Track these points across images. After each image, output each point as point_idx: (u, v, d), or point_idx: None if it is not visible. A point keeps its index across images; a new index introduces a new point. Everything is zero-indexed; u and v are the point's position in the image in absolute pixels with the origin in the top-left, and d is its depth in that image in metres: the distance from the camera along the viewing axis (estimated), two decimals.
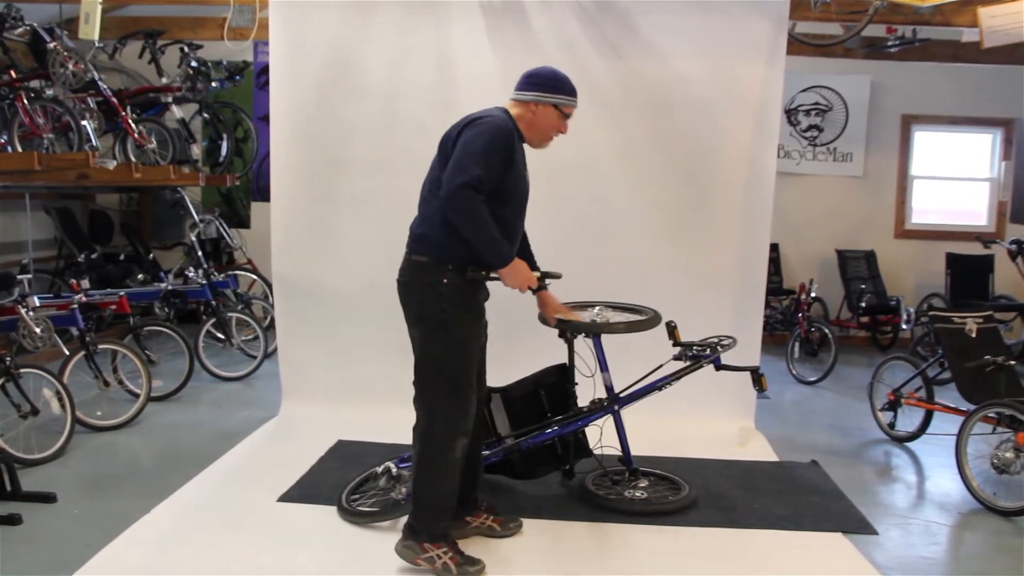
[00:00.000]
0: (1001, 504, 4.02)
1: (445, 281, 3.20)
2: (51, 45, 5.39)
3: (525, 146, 3.44)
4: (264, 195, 7.04)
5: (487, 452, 3.86)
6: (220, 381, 6.25)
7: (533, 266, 3.54)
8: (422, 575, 3.21)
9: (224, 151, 7.21)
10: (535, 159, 5.05)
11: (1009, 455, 4.02)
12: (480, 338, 3.39)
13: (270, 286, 6.32)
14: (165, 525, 3.64)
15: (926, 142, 8.54)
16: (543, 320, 3.98)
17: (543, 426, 3.94)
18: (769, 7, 5.01)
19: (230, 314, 6.55)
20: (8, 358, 4.40)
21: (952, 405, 4.76)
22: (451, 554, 3.21)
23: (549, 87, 3.36)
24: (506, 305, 4.74)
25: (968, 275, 7.99)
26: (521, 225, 3.46)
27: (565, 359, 4.03)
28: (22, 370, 4.46)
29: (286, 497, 3.95)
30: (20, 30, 5.56)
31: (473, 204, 3.09)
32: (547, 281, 3.59)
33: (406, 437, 3.39)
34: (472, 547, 3.38)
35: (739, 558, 3.47)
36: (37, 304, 4.81)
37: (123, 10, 7.05)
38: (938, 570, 3.49)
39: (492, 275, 3.30)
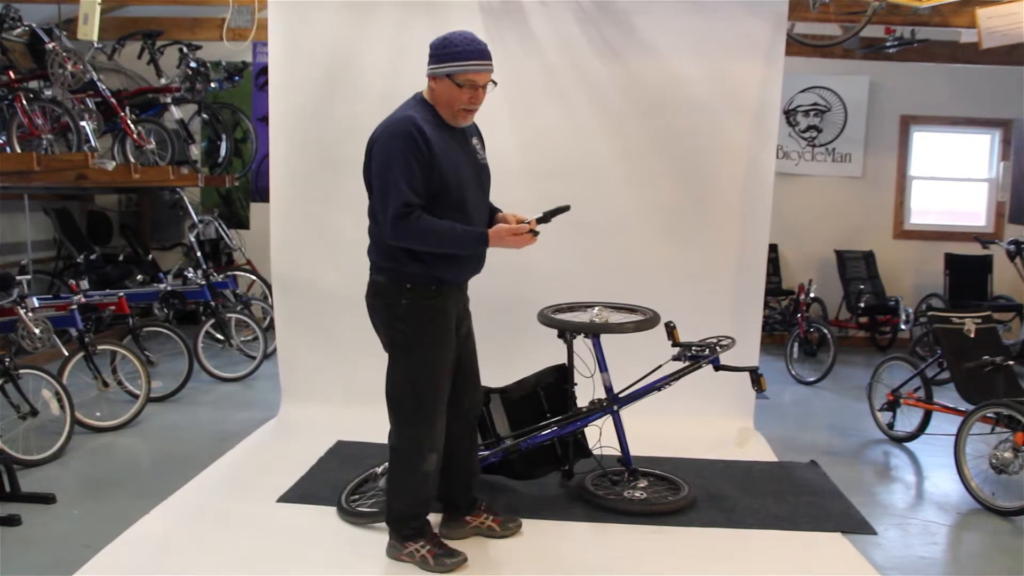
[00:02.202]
0: (999, 504, 4.02)
1: (404, 302, 3.17)
2: (50, 46, 5.39)
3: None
4: (263, 196, 7.04)
5: (487, 452, 3.86)
6: (219, 382, 6.25)
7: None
8: (417, 573, 3.23)
9: (223, 152, 7.22)
10: (533, 159, 5.11)
11: (1007, 455, 4.03)
12: (451, 353, 3.27)
13: (269, 287, 6.32)
14: (164, 526, 3.64)
15: (925, 143, 8.55)
16: (543, 321, 3.99)
17: (542, 426, 3.94)
18: (768, 8, 5.02)
19: (229, 315, 6.55)
20: (7, 359, 4.40)
21: (951, 405, 4.77)
22: (428, 547, 3.27)
23: (437, 56, 3.10)
24: (505, 305, 4.76)
25: (967, 275, 8.00)
26: (476, 205, 3.26)
27: (564, 359, 4.03)
28: (21, 371, 4.46)
29: (285, 498, 3.95)
30: (19, 30, 5.56)
31: (415, 229, 3.03)
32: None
33: None
34: (471, 547, 3.39)
35: (738, 558, 3.48)
36: (36, 305, 4.81)
37: (122, 11, 7.04)
38: (937, 570, 3.50)
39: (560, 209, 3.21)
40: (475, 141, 3.36)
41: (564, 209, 3.29)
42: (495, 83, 3.21)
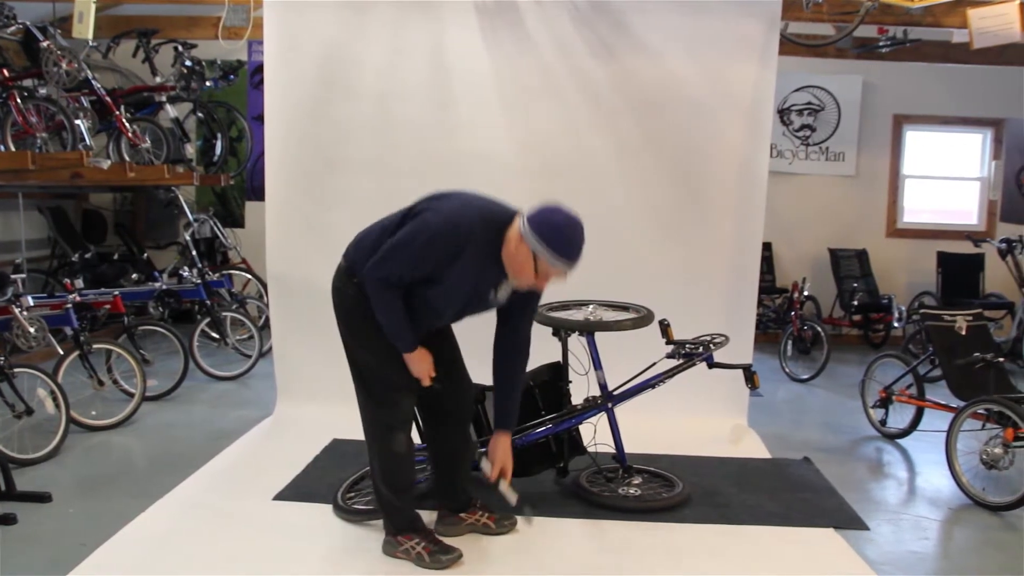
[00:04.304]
0: (990, 499, 4.05)
1: (350, 292, 3.23)
2: (44, 44, 5.38)
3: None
4: (258, 194, 7.06)
5: (483, 450, 3.88)
6: (215, 381, 6.25)
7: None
8: (413, 572, 3.23)
9: (218, 150, 7.22)
10: (527, 158, 5.13)
11: (998, 451, 4.06)
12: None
13: (265, 285, 6.32)
14: (160, 524, 3.65)
15: (917, 142, 8.60)
16: (537, 319, 3.99)
17: (537, 424, 3.96)
18: (761, 8, 5.04)
19: (225, 314, 6.55)
20: (2, 358, 4.39)
21: (942, 402, 4.80)
22: (424, 543, 3.28)
23: (540, 233, 2.96)
24: None
25: (959, 273, 8.05)
26: (448, 316, 3.26)
27: (559, 357, 4.05)
28: (16, 370, 4.46)
29: (281, 496, 3.96)
30: (13, 28, 5.55)
31: (383, 296, 3.06)
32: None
33: None
34: (466, 544, 3.40)
35: (732, 554, 3.50)
36: (31, 304, 4.80)
37: (117, 9, 7.03)
38: (928, 565, 3.52)
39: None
40: (506, 283, 3.18)
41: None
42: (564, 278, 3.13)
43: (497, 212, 3.10)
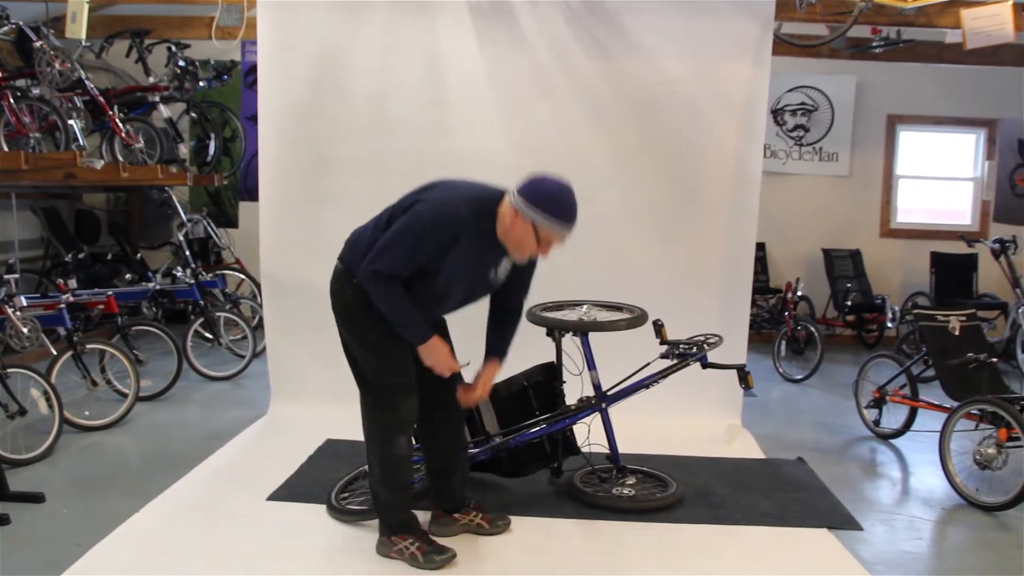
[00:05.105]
0: (984, 499, 4.06)
1: (348, 292, 3.22)
2: (37, 44, 5.37)
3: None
4: (252, 195, 7.03)
5: (476, 450, 3.88)
6: (208, 381, 6.24)
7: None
8: (407, 573, 3.24)
9: (212, 151, 7.21)
10: (522, 158, 5.12)
11: (991, 451, 4.07)
12: (402, 340, 3.19)
13: (258, 285, 6.32)
14: (154, 525, 3.64)
15: (911, 142, 8.62)
16: (531, 319, 4.00)
17: (531, 424, 3.96)
18: (755, 8, 5.05)
19: (218, 314, 6.54)
20: None
21: (936, 402, 4.81)
22: (417, 544, 3.28)
23: (537, 203, 3.01)
24: None
25: (952, 274, 8.07)
26: (456, 301, 3.26)
27: (553, 358, 4.05)
28: (9, 370, 4.44)
29: (275, 496, 3.95)
30: (6, 28, 5.53)
31: (385, 290, 3.06)
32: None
33: None
34: (460, 544, 3.40)
35: (726, 554, 3.50)
36: (24, 304, 4.79)
37: (110, 9, 7.01)
38: (922, 565, 3.53)
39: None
40: (505, 260, 3.23)
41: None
42: (563, 243, 3.16)
43: (486, 193, 3.15)
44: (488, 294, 3.36)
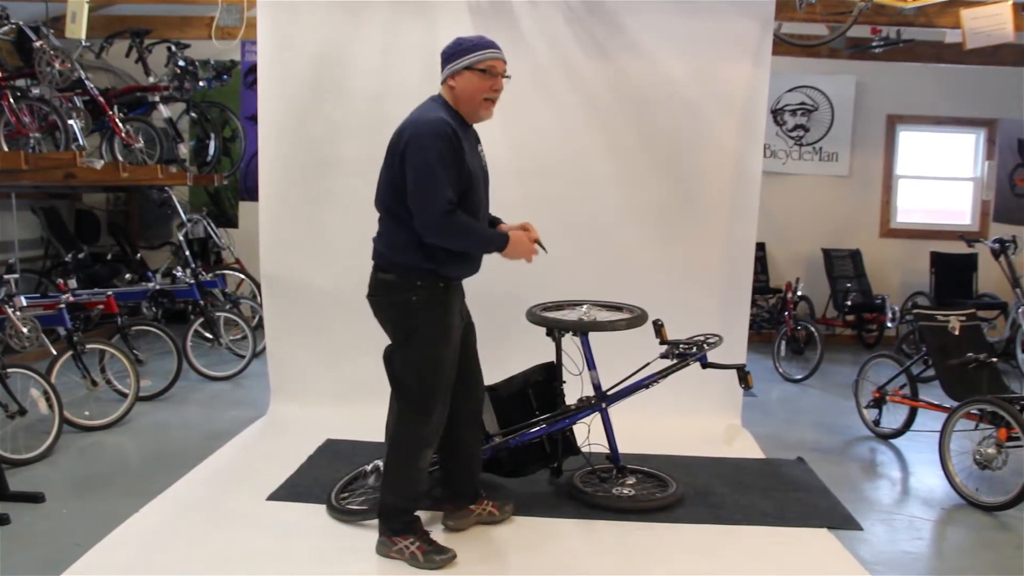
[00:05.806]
0: (983, 499, 4.06)
1: (414, 299, 3.23)
2: (37, 44, 5.37)
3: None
4: (252, 194, 7.03)
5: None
6: (208, 381, 6.24)
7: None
8: (407, 572, 3.24)
9: (211, 150, 7.21)
10: (522, 158, 5.13)
11: (991, 451, 4.07)
12: (456, 345, 3.33)
13: (258, 285, 6.32)
14: (154, 524, 3.64)
15: (911, 142, 8.62)
16: (531, 319, 4.00)
17: (531, 424, 3.96)
18: (755, 8, 5.05)
19: (218, 314, 6.54)
20: None
21: (936, 402, 4.81)
22: (418, 544, 3.29)
23: (452, 55, 3.24)
24: (494, 303, 4.76)
25: (952, 274, 8.07)
26: (484, 208, 3.42)
27: (553, 357, 4.05)
28: (9, 370, 4.45)
29: (275, 496, 3.96)
30: (6, 28, 5.53)
31: (458, 226, 3.14)
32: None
33: None
34: (459, 543, 3.40)
35: (726, 554, 3.50)
36: (24, 304, 4.79)
37: (110, 9, 7.01)
38: (922, 565, 3.53)
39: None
40: (480, 146, 3.43)
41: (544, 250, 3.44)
42: (509, 76, 3.31)
43: (434, 98, 3.32)
44: (489, 182, 3.46)
